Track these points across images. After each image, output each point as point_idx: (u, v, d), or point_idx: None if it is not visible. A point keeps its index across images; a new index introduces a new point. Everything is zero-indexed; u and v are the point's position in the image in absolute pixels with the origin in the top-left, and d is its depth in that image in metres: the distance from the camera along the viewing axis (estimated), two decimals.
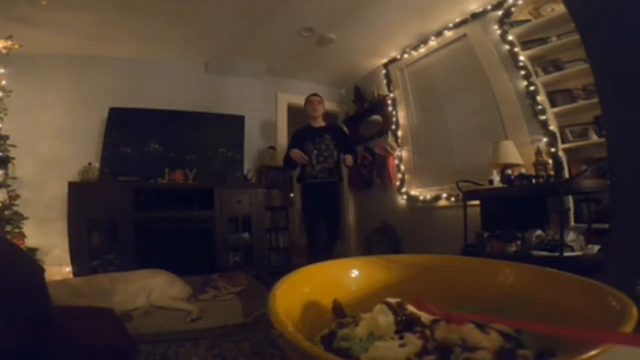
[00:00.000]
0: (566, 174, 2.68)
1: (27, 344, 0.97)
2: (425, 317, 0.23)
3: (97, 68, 4.03)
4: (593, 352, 0.18)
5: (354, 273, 0.33)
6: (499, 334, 0.22)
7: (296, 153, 3.12)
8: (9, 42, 3.01)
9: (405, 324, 0.22)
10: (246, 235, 4.10)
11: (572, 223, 2.64)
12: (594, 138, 2.64)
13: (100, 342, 1.27)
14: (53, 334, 1.10)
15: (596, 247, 2.21)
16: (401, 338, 0.21)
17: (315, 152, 3.16)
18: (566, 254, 2.18)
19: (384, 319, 0.22)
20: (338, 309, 0.29)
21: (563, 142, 2.78)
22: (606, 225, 2.28)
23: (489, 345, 0.21)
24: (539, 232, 2.41)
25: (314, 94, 3.41)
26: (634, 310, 0.22)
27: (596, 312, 0.24)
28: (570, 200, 2.68)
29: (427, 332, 0.21)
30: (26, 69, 3.62)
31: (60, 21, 3.30)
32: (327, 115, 3.54)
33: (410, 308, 0.23)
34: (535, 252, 2.32)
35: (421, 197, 3.88)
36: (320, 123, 3.33)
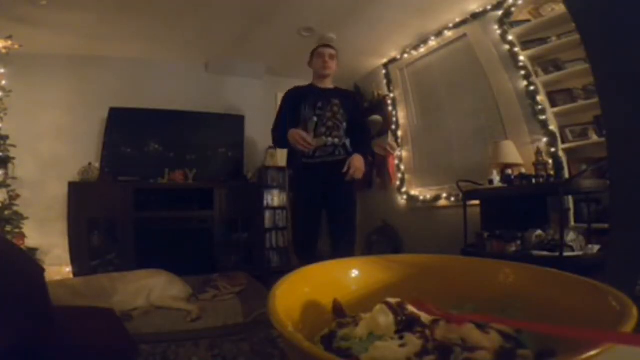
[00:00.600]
0: (566, 174, 2.68)
1: (27, 344, 0.97)
2: (425, 317, 0.23)
3: (97, 68, 4.03)
4: (593, 352, 0.18)
5: (354, 273, 0.33)
6: (499, 334, 0.22)
7: (296, 135, 2.10)
8: (9, 42, 3.02)
9: (405, 324, 0.22)
10: (246, 235, 4.10)
11: (572, 223, 2.64)
12: (594, 138, 2.64)
13: (100, 342, 1.27)
14: (53, 334, 1.10)
15: (596, 247, 2.21)
16: (401, 338, 0.21)
17: (316, 119, 2.21)
18: (566, 254, 2.18)
19: (384, 319, 0.22)
20: (338, 309, 0.29)
21: (563, 142, 2.78)
22: (606, 225, 2.29)
23: (489, 345, 0.21)
24: (539, 232, 2.41)
25: (326, 44, 2.49)
26: (634, 310, 0.22)
27: (596, 312, 0.24)
28: (570, 200, 2.68)
29: (427, 332, 0.21)
30: (26, 69, 3.62)
31: (60, 21, 3.30)
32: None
33: (410, 308, 0.23)
34: (535, 252, 2.32)
35: (421, 197, 3.88)
36: (328, 84, 2.42)
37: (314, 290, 0.29)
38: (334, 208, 2.23)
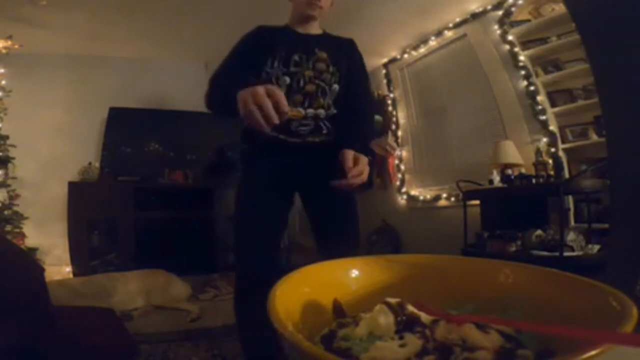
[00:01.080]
0: (566, 174, 2.68)
1: (27, 344, 0.97)
2: (425, 317, 0.23)
3: (97, 68, 4.03)
4: (593, 352, 0.18)
5: (354, 273, 0.33)
6: (499, 334, 0.22)
7: (260, 92, 1.00)
8: (9, 42, 3.02)
9: (405, 324, 0.22)
10: None
11: (572, 223, 2.64)
12: (594, 138, 2.65)
13: (100, 342, 1.27)
14: (53, 334, 1.10)
15: (596, 247, 2.21)
16: (401, 338, 0.21)
17: (287, 80, 1.36)
18: (566, 254, 2.18)
19: (384, 319, 0.22)
20: (338, 309, 0.29)
21: (563, 142, 2.78)
22: (606, 225, 2.29)
23: (489, 345, 0.21)
24: (539, 232, 2.41)
25: None
26: (634, 310, 0.22)
27: (596, 312, 0.24)
28: (570, 200, 2.68)
29: (427, 332, 0.21)
30: (26, 69, 3.62)
31: (60, 21, 3.30)
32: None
33: (410, 308, 0.23)
34: (535, 252, 2.32)
35: (421, 197, 3.88)
36: (313, 30, 1.52)
37: (314, 290, 0.29)
38: (326, 208, 1.41)
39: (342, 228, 1.43)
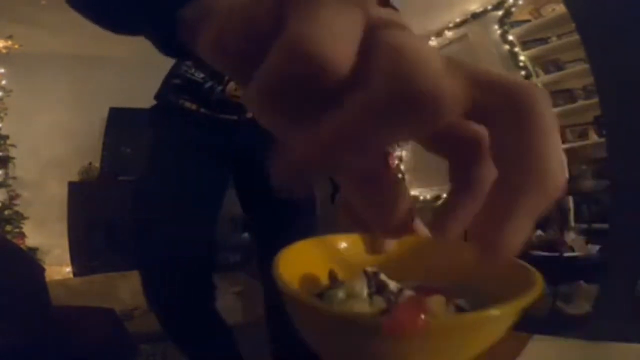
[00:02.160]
0: (566, 174, 2.68)
1: (27, 343, 0.97)
2: (393, 285, 0.25)
3: (97, 68, 4.03)
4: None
5: (349, 247, 0.34)
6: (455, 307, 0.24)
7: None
8: (9, 42, 3.02)
9: (376, 290, 0.25)
10: (246, 235, 4.10)
11: (572, 223, 2.64)
12: (594, 138, 2.65)
13: (100, 342, 1.28)
14: (53, 334, 1.10)
15: (596, 247, 2.21)
16: (371, 300, 0.25)
17: None
18: (566, 254, 2.18)
19: (359, 285, 0.26)
20: (333, 278, 0.30)
21: (563, 142, 2.78)
22: (606, 225, 2.29)
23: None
24: (538, 232, 2.41)
25: None
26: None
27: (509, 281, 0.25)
28: (570, 200, 2.68)
29: (392, 297, 0.24)
30: (26, 69, 3.62)
31: (60, 21, 3.30)
32: None
33: (383, 277, 0.26)
34: (535, 252, 2.32)
35: (421, 197, 3.88)
36: None
37: (312, 262, 0.31)
38: (270, 215, 1.11)
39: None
